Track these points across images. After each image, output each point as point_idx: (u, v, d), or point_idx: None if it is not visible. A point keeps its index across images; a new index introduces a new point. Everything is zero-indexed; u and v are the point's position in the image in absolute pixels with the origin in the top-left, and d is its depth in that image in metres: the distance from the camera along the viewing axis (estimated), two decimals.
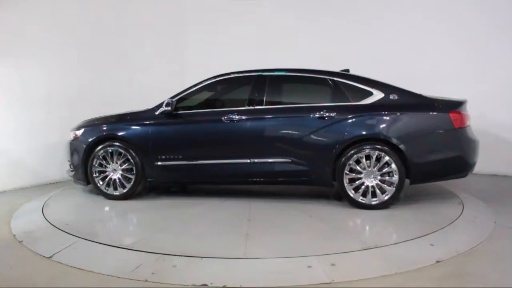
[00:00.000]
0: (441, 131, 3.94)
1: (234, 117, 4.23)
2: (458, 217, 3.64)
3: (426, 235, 3.17)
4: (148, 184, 4.69)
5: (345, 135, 3.98)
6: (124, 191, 4.49)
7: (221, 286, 2.42)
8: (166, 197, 4.68)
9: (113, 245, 3.07)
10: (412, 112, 3.99)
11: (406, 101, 4.02)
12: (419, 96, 4.08)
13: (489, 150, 5.51)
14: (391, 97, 4.05)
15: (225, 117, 4.24)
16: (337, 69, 4.43)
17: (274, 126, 4.21)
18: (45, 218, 3.84)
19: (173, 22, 7.45)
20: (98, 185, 4.53)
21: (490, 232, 3.27)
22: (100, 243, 3.12)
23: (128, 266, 2.70)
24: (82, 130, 4.69)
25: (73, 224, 3.61)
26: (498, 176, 5.55)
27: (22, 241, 3.27)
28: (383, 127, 3.96)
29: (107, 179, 4.52)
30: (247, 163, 4.23)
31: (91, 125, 4.73)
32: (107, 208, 4.28)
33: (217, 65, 5.04)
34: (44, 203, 4.42)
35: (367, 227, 3.60)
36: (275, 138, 4.18)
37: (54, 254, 2.95)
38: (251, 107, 4.27)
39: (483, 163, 5.56)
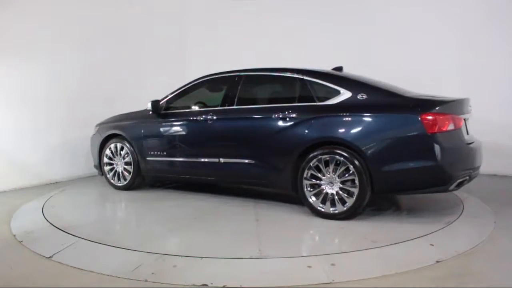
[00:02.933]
0: (410, 136, 3.39)
1: (207, 117, 4.33)
2: (458, 217, 3.64)
3: (426, 235, 3.17)
4: (151, 179, 5.16)
5: (305, 137, 3.72)
6: (125, 183, 4.96)
7: (221, 286, 2.42)
8: (168, 192, 4.69)
9: (113, 245, 3.07)
10: (378, 113, 3.52)
11: (374, 101, 3.60)
12: (394, 95, 3.66)
13: (489, 150, 5.52)
14: (359, 96, 3.65)
15: (200, 117, 4.38)
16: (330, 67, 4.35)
17: (240, 126, 4.17)
18: (45, 218, 3.84)
19: (174, 23, 7.46)
20: (107, 176, 5.11)
21: (490, 232, 3.26)
22: (100, 243, 3.11)
23: (128, 266, 2.70)
24: (99, 127, 5.31)
25: (73, 224, 3.61)
26: (498, 176, 5.55)
27: (22, 241, 3.27)
28: (344, 130, 3.58)
29: (113, 171, 5.07)
30: (217, 162, 4.28)
31: (106, 122, 5.29)
32: (107, 208, 4.29)
33: (217, 65, 5.04)
34: (44, 203, 4.43)
35: (311, 235, 3.43)
36: (241, 138, 4.16)
37: (54, 254, 2.95)
38: (221, 108, 4.34)
39: (483, 163, 5.59)
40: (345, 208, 3.56)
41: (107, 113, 6.28)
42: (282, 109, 3.91)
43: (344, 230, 3.39)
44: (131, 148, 4.86)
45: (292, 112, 3.84)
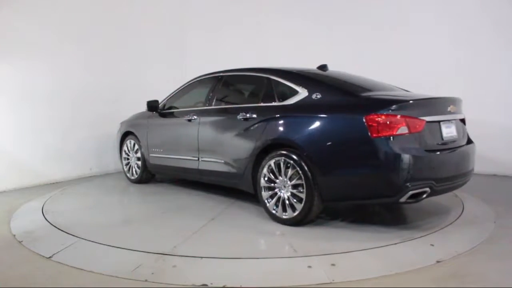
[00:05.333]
0: (354, 139, 3.12)
1: (190, 117, 4.47)
2: (458, 217, 3.64)
3: (426, 235, 3.17)
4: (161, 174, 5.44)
5: (261, 139, 3.66)
6: (136, 177, 5.40)
7: (221, 286, 2.42)
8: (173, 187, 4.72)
9: (113, 245, 3.07)
10: (324, 114, 3.33)
11: (327, 101, 3.40)
12: (350, 94, 3.45)
13: (489, 150, 5.53)
14: (314, 96, 3.47)
15: (185, 117, 4.55)
16: (332, 67, 4.35)
17: (213, 126, 4.24)
18: (45, 218, 3.84)
19: (174, 23, 7.47)
20: (124, 169, 5.60)
21: (490, 232, 3.26)
22: (100, 243, 3.11)
23: (128, 266, 2.70)
24: (121, 125, 5.71)
25: (73, 224, 3.62)
26: (498, 176, 5.55)
27: (22, 241, 3.27)
28: (293, 132, 3.45)
29: (128, 166, 5.54)
30: (197, 161, 4.42)
31: (126, 120, 5.65)
32: (107, 208, 4.29)
33: (217, 65, 5.05)
34: (44, 203, 4.43)
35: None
36: (213, 138, 4.23)
37: (54, 254, 2.95)
38: (200, 108, 4.50)
39: (483, 163, 5.59)
40: (294, 214, 3.39)
41: (107, 113, 6.31)
42: (245, 110, 3.91)
43: (283, 237, 3.25)
44: (139, 145, 5.25)
45: (253, 113, 3.82)
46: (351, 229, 3.38)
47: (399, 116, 3.03)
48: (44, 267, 2.78)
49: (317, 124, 3.34)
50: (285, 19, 7.01)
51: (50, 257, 2.92)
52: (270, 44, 7.02)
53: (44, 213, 4.02)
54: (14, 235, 3.43)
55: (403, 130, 3.02)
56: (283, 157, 3.45)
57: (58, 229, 3.51)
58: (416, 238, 3.11)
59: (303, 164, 3.30)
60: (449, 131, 3.38)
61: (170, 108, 4.97)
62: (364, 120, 3.03)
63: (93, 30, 6.10)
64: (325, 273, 2.56)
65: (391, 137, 2.98)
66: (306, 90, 3.55)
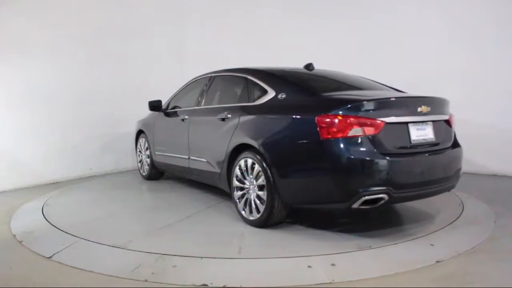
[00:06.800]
0: (307, 141, 2.99)
1: (183, 116, 4.62)
2: (458, 217, 3.64)
3: (426, 235, 3.17)
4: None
5: (232, 139, 3.66)
6: (145, 173, 5.68)
7: (221, 286, 2.42)
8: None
9: (113, 245, 3.07)
10: (282, 115, 3.26)
11: (289, 101, 3.31)
12: (312, 94, 3.32)
13: (489, 150, 5.53)
14: (279, 96, 3.40)
15: (179, 116, 4.70)
16: (330, 66, 4.34)
17: (199, 126, 4.35)
18: (45, 218, 3.84)
19: (174, 23, 7.47)
20: (138, 166, 5.91)
21: (490, 232, 3.26)
22: (100, 243, 3.11)
23: (128, 266, 2.70)
24: (136, 124, 5.90)
25: (73, 224, 3.62)
26: (498, 176, 5.55)
27: (22, 241, 3.27)
28: (255, 133, 3.42)
29: (141, 163, 5.81)
30: (187, 159, 4.53)
31: (141, 119, 5.81)
32: (107, 208, 4.28)
33: (218, 64, 5.05)
34: (44, 203, 4.43)
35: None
36: (199, 137, 4.33)
37: (54, 254, 2.94)
38: (191, 108, 4.62)
39: (483, 163, 5.59)
40: (258, 216, 3.35)
41: (107, 113, 6.31)
42: (223, 110, 3.95)
43: (241, 237, 3.26)
44: (148, 143, 5.48)
45: (229, 113, 3.83)
46: (351, 229, 3.37)
47: (352, 117, 2.84)
48: (44, 267, 2.78)
49: (276, 125, 3.29)
50: (285, 19, 7.01)
51: (50, 257, 2.92)
52: (270, 43, 7.01)
53: (44, 213, 4.02)
54: (14, 235, 3.43)
55: (357, 132, 2.83)
56: (249, 159, 3.43)
57: (58, 229, 3.51)
58: (416, 238, 3.10)
59: (265, 166, 3.25)
60: (421, 134, 3.13)
61: (174, 107, 5.09)
62: (315, 121, 2.91)
63: (93, 30, 6.09)
64: (325, 273, 2.56)
65: (342, 139, 2.82)
66: (273, 90, 3.49)
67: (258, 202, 3.36)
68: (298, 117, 3.12)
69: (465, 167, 5.62)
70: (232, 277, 2.53)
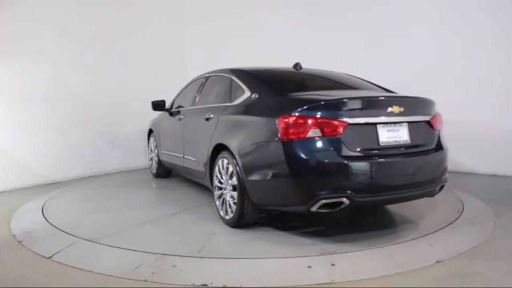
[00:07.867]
0: (268, 142, 2.96)
1: (179, 116, 4.75)
2: (458, 217, 3.64)
3: (426, 235, 3.17)
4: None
5: (212, 139, 3.70)
6: (154, 171, 5.81)
7: (221, 286, 2.42)
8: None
9: (113, 245, 3.07)
10: (251, 115, 3.27)
11: (260, 101, 3.28)
12: (281, 93, 3.24)
13: (489, 150, 5.53)
14: (253, 96, 3.38)
15: (177, 116, 4.82)
16: (328, 66, 4.33)
17: (191, 125, 4.45)
18: (45, 218, 3.84)
19: (174, 22, 7.46)
20: (149, 164, 6.04)
21: (490, 232, 3.26)
22: (100, 243, 3.12)
23: (128, 266, 2.70)
24: (149, 123, 6.01)
25: (73, 224, 3.62)
26: (498, 176, 5.55)
27: (22, 241, 3.27)
28: (227, 133, 3.47)
29: (151, 161, 5.96)
30: (182, 158, 4.62)
31: (153, 119, 5.91)
32: (107, 208, 4.29)
33: (218, 64, 5.05)
34: (44, 203, 4.43)
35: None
36: (190, 137, 4.43)
37: (54, 254, 2.94)
38: (185, 108, 4.76)
39: (483, 163, 5.59)
40: (232, 216, 3.35)
41: (107, 112, 6.31)
42: (208, 110, 4.01)
43: (212, 237, 3.27)
44: (156, 142, 5.61)
45: (212, 113, 3.88)
46: (350, 230, 3.37)
47: (311, 117, 2.78)
48: (44, 267, 2.78)
49: (245, 125, 3.28)
50: (286, 19, 7.01)
51: (50, 257, 2.92)
52: (270, 43, 7.01)
53: (44, 213, 4.02)
54: (14, 235, 3.43)
55: (315, 133, 2.77)
56: (225, 159, 3.45)
57: (58, 229, 3.51)
58: (416, 238, 3.11)
59: (236, 166, 3.25)
60: (392, 135, 2.97)
61: (178, 107, 5.16)
62: (276, 121, 2.87)
63: (93, 30, 6.09)
64: (325, 273, 2.56)
65: (300, 141, 2.77)
66: (249, 90, 3.47)
67: (231, 202, 3.37)
68: (263, 117, 3.10)
69: (465, 167, 5.65)
70: (232, 277, 2.53)
